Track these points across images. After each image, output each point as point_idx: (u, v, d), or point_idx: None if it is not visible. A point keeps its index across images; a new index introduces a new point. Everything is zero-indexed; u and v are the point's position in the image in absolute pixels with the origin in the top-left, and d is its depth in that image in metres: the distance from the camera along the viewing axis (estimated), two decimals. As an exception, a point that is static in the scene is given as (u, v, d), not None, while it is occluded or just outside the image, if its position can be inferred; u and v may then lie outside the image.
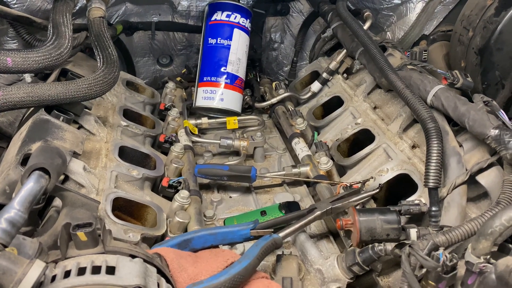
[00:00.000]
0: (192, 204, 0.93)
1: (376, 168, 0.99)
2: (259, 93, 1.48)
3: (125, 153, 0.99)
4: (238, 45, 1.35)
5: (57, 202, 0.74)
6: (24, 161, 0.73)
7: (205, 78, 1.35)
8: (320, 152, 1.11)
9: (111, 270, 0.54)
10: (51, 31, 1.00)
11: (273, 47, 1.69)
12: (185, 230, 0.88)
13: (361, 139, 1.11)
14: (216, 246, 0.79)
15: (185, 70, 1.58)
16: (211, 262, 0.70)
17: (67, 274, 0.53)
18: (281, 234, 0.77)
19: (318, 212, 0.83)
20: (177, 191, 0.94)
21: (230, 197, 1.08)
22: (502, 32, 1.07)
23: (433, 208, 0.76)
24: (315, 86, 1.37)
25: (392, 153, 0.99)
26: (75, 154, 0.84)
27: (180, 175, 1.05)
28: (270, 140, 1.32)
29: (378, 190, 0.89)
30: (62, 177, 0.80)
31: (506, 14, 1.06)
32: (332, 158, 1.10)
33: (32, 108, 0.92)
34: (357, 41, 1.19)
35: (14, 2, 1.19)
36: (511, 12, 1.06)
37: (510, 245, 0.64)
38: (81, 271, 0.53)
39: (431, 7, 1.45)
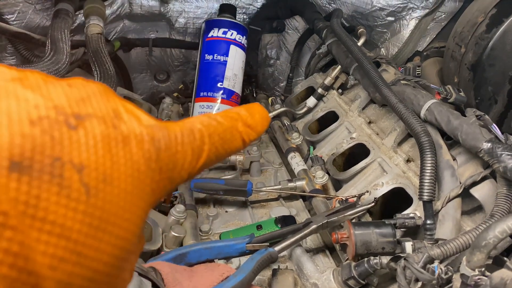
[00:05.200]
0: (188, 219, 0.93)
1: (371, 182, 0.99)
2: (255, 109, 1.49)
3: (121, 168, 0.99)
4: (235, 61, 1.37)
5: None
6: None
7: (201, 94, 1.36)
8: (316, 166, 1.12)
9: (105, 284, 0.54)
10: (49, 47, 1.01)
11: (269, 63, 1.71)
12: (181, 245, 0.88)
13: (357, 153, 1.12)
14: (212, 260, 0.78)
15: (182, 85, 1.59)
16: (206, 276, 0.70)
17: None
18: (277, 248, 0.77)
19: (314, 226, 0.83)
20: (173, 205, 0.94)
21: (226, 211, 1.08)
22: (494, 48, 1.09)
23: (428, 221, 0.77)
24: (311, 101, 1.38)
25: (387, 167, 1.00)
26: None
27: (176, 189, 1.05)
28: (266, 154, 1.33)
29: (373, 204, 0.89)
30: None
31: (497, 31, 1.09)
32: (327, 172, 1.10)
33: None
34: (352, 57, 1.21)
35: (13, 18, 1.21)
36: (502, 29, 1.08)
37: (505, 258, 0.64)
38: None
39: (424, 24, 1.48)
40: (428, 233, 0.76)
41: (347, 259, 0.80)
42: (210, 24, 1.40)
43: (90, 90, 0.22)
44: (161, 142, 0.24)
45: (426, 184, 0.78)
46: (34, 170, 0.18)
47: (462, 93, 0.99)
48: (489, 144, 0.75)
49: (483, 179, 0.79)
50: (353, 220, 0.86)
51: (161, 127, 0.24)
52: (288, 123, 1.36)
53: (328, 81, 1.35)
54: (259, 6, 1.56)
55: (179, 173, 0.26)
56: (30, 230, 0.18)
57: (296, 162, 1.16)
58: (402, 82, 1.08)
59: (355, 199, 0.93)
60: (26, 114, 0.19)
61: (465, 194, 0.80)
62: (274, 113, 1.39)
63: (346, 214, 0.86)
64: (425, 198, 0.77)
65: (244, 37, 1.41)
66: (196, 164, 0.27)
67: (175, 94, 1.52)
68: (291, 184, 1.07)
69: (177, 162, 0.25)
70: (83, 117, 0.21)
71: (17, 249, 0.18)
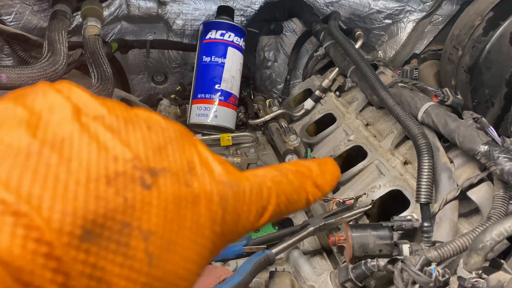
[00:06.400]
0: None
1: (368, 184, 0.99)
2: (253, 110, 1.49)
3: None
4: (232, 63, 1.37)
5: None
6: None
7: (199, 95, 1.36)
8: (313, 168, 1.12)
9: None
10: (46, 48, 1.01)
11: (267, 65, 1.71)
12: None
13: (354, 156, 1.12)
14: (209, 263, 0.78)
15: (179, 87, 1.59)
16: (203, 279, 0.69)
17: None
18: (274, 250, 0.76)
19: (311, 228, 0.83)
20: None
21: (223, 213, 1.07)
22: (491, 52, 1.09)
23: (425, 224, 0.77)
24: (308, 103, 1.38)
25: (384, 169, 1.00)
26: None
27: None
28: (264, 156, 1.33)
29: (370, 206, 0.89)
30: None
31: (494, 34, 1.09)
32: (325, 175, 1.10)
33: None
34: (349, 60, 1.21)
35: (10, 19, 1.20)
36: (498, 32, 1.09)
37: (502, 260, 0.64)
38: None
39: (421, 27, 1.48)
40: (425, 235, 0.76)
41: (345, 262, 0.80)
42: (208, 26, 1.40)
43: (167, 136, 0.22)
44: (229, 202, 0.23)
45: (423, 186, 0.78)
46: (103, 238, 0.18)
47: (459, 96, 0.99)
48: (486, 147, 0.75)
49: (480, 181, 0.79)
50: (351, 222, 0.86)
51: (232, 183, 0.23)
52: (286, 125, 1.35)
53: (325, 83, 1.35)
54: (256, 8, 1.56)
55: (238, 234, 0.24)
56: None
57: (294, 164, 1.16)
58: (399, 84, 1.08)
59: (352, 201, 0.93)
60: (104, 170, 0.19)
61: (462, 197, 0.80)
62: (272, 115, 1.39)
63: (343, 216, 0.86)
64: (422, 200, 0.77)
65: (242, 39, 1.41)
66: (256, 223, 0.25)
67: (173, 96, 1.52)
68: (288, 186, 1.06)
69: (239, 223, 0.24)
70: (158, 173, 0.20)
71: None
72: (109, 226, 0.18)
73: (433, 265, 0.63)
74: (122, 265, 0.18)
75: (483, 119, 0.83)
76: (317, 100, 1.38)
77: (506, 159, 0.72)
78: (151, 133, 0.21)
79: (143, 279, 0.19)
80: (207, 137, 1.32)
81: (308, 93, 1.44)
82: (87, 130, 0.19)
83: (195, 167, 0.22)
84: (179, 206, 0.21)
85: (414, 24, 1.48)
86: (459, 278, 0.61)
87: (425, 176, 0.79)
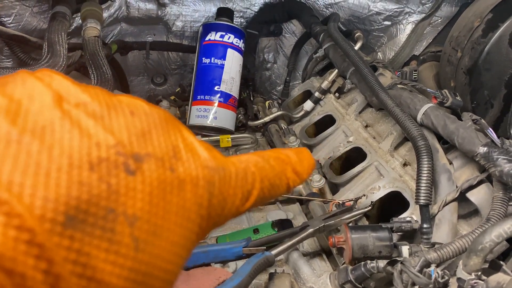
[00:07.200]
0: (185, 222, 0.92)
1: (368, 186, 0.99)
2: (252, 112, 1.49)
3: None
4: (232, 65, 1.37)
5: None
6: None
7: (198, 97, 1.36)
8: (313, 170, 1.12)
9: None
10: (46, 49, 1.01)
11: (266, 67, 1.72)
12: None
13: (353, 157, 1.12)
14: (208, 264, 0.78)
15: (179, 89, 1.60)
16: (203, 280, 0.69)
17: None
18: (274, 251, 0.76)
19: (311, 230, 0.83)
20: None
21: (223, 215, 1.07)
22: (490, 53, 1.09)
23: (425, 225, 0.77)
24: (308, 105, 1.38)
25: (383, 171, 1.00)
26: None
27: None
28: (263, 158, 1.33)
29: (370, 207, 0.89)
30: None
31: (493, 36, 1.09)
32: (324, 176, 1.10)
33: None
34: (348, 61, 1.22)
35: (10, 21, 1.20)
36: (498, 34, 1.09)
37: (501, 262, 0.64)
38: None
39: (421, 29, 1.49)
40: (424, 237, 0.76)
41: (344, 263, 0.80)
42: (208, 27, 1.40)
43: (151, 121, 0.21)
44: (215, 186, 0.23)
45: (422, 188, 0.78)
46: (87, 224, 0.18)
47: (458, 97, 0.99)
48: (485, 148, 0.75)
49: (480, 183, 0.79)
50: (350, 224, 0.86)
51: (218, 168, 0.23)
52: (285, 127, 1.36)
53: (325, 85, 1.35)
54: (256, 10, 1.56)
55: (225, 217, 0.25)
56: None
57: (293, 165, 1.16)
58: (398, 86, 1.08)
59: (352, 202, 0.93)
60: (87, 156, 0.18)
61: (462, 198, 0.80)
62: (271, 116, 1.39)
63: (343, 218, 0.86)
64: (422, 202, 0.78)
65: (242, 40, 1.41)
66: (242, 207, 0.26)
67: (172, 97, 1.52)
68: (288, 188, 1.06)
69: (226, 206, 0.24)
70: (142, 158, 0.20)
71: None
72: (93, 212, 0.18)
73: (433, 267, 0.63)
74: (107, 251, 0.18)
75: (482, 120, 0.83)
76: (317, 101, 1.38)
77: (505, 161, 0.72)
78: (134, 119, 0.21)
79: (130, 263, 0.19)
80: (207, 138, 1.32)
81: (307, 95, 1.44)
82: (69, 117, 0.19)
83: (180, 151, 0.22)
84: (165, 190, 0.20)
85: (413, 25, 1.48)
86: (459, 279, 0.61)
87: (424, 178, 0.79)
